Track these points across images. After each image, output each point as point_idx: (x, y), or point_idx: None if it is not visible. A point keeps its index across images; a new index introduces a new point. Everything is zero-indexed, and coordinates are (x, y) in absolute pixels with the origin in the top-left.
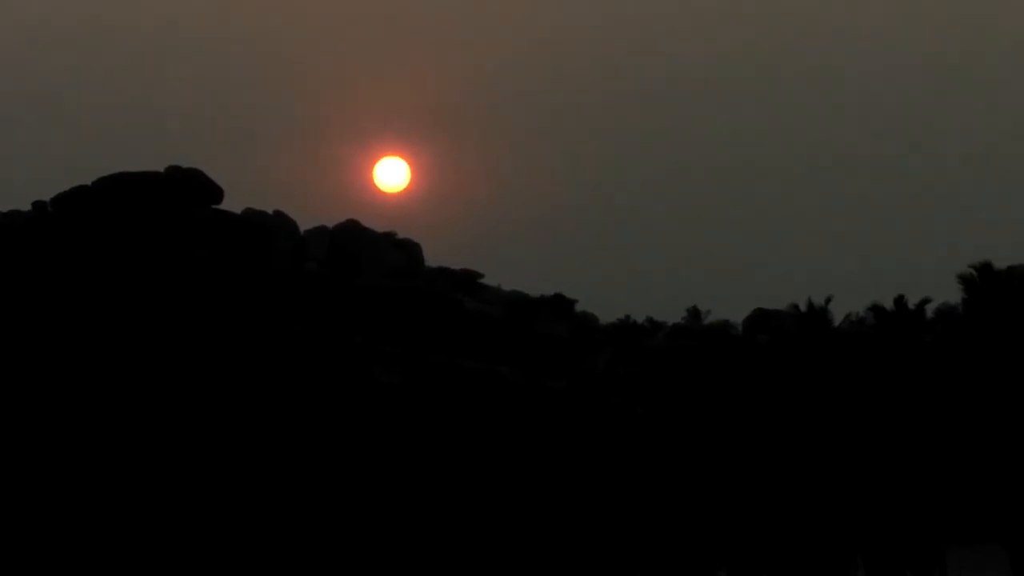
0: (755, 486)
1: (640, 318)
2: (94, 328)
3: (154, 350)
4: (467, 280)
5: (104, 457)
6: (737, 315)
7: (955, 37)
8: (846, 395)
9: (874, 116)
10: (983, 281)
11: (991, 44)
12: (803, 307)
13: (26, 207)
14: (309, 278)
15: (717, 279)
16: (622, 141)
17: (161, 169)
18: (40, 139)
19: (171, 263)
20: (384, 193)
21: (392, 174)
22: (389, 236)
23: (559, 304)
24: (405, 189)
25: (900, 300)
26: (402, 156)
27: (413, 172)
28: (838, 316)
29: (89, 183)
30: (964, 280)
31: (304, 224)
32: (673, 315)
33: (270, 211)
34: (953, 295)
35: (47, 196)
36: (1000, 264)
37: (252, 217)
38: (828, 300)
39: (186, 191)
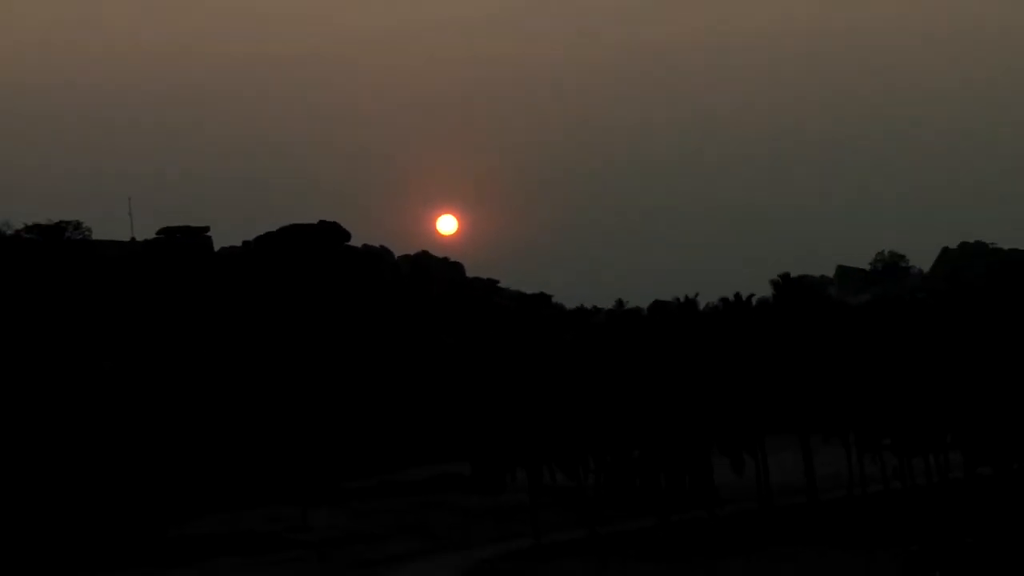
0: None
1: (589, 306)
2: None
3: (327, 346)
4: (490, 285)
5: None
6: (644, 303)
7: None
8: (708, 352)
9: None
10: (785, 284)
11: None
12: (682, 299)
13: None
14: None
15: (638, 279)
16: (584, 179)
17: (315, 221)
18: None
19: (330, 284)
20: (442, 235)
21: (447, 224)
22: (445, 260)
23: (542, 299)
24: (455, 234)
25: (738, 295)
26: (453, 213)
27: (460, 223)
28: (703, 303)
29: (275, 230)
30: (774, 283)
31: (397, 252)
32: (608, 303)
33: (377, 246)
34: (767, 291)
35: (250, 237)
36: (795, 273)
37: (368, 250)
38: (696, 294)
39: (329, 234)
